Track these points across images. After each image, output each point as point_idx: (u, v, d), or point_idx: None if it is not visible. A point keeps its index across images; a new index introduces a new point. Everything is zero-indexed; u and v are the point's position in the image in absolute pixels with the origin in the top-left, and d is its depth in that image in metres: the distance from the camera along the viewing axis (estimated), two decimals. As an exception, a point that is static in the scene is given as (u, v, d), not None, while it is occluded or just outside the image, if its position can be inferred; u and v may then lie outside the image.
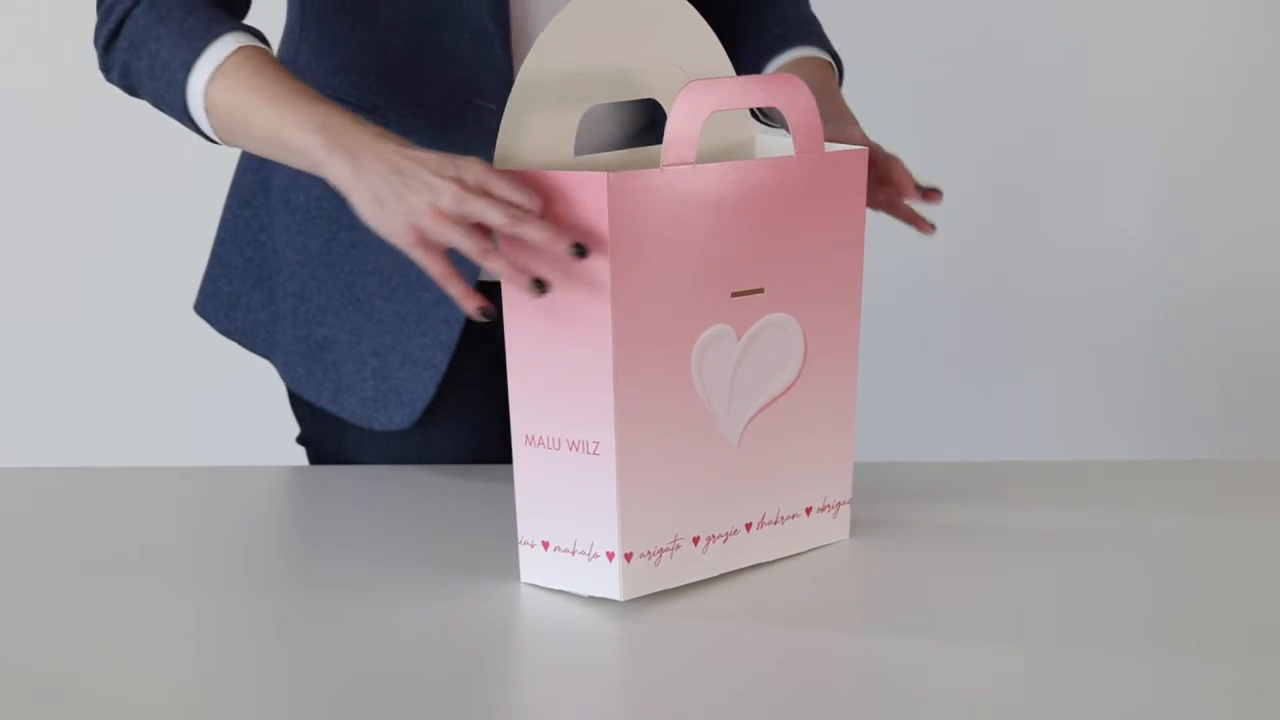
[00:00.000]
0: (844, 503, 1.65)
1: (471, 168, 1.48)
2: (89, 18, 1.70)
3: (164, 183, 3.02)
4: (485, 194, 1.47)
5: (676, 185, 1.50)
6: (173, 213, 2.97)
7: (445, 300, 1.77)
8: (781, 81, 1.56)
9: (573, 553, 1.51)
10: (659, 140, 1.68)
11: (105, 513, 1.75)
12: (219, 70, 1.60)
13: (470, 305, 1.49)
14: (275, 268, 1.87)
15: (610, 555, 1.49)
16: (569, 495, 1.51)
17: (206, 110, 1.62)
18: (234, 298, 1.91)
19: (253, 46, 1.62)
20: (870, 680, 1.41)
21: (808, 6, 1.90)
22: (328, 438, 1.89)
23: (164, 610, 1.52)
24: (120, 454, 2.94)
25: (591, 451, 1.49)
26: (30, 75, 3.06)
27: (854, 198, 1.61)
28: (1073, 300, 3.12)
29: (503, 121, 1.54)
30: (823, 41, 1.85)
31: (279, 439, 2.14)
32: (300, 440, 1.95)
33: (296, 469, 1.86)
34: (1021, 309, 3.12)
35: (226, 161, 1.93)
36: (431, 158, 1.50)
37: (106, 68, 1.69)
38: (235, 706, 1.37)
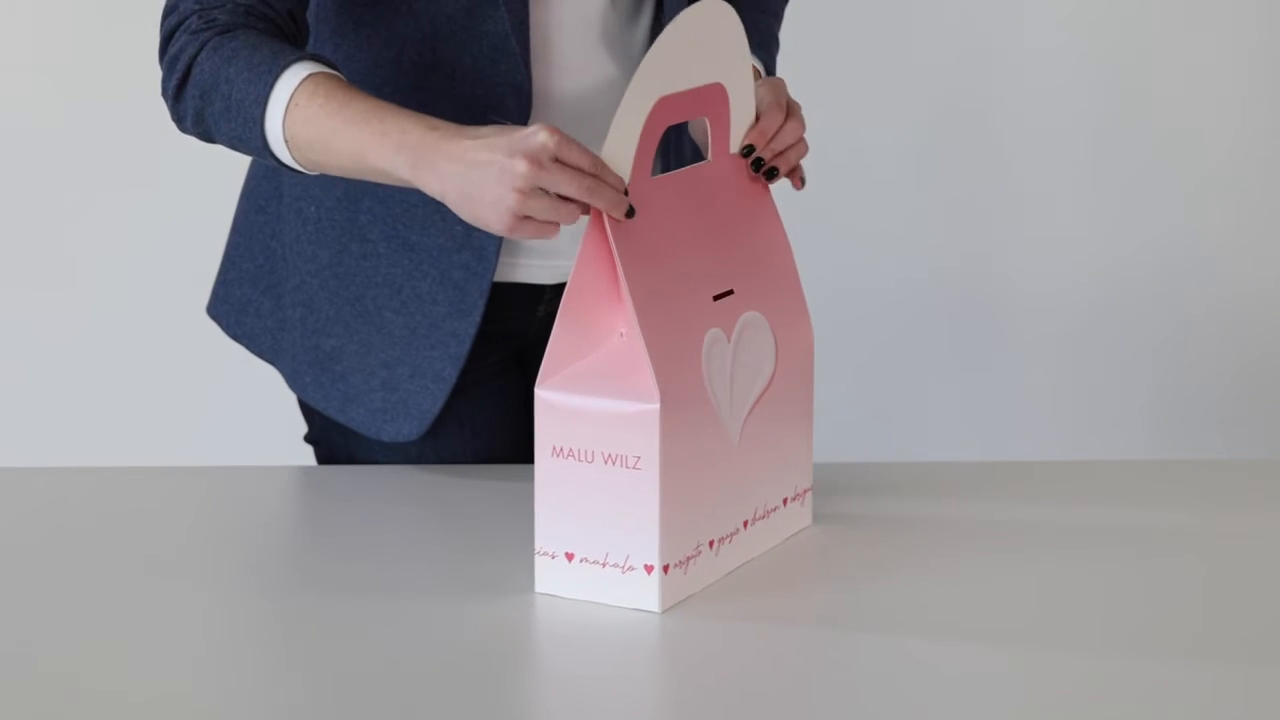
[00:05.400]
0: (808, 489, 1.69)
1: (535, 140, 1.50)
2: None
3: (179, 182, 2.94)
4: (557, 163, 1.50)
5: (646, 196, 1.53)
6: (190, 212, 2.88)
7: (455, 314, 1.77)
8: (705, 92, 1.58)
9: (604, 565, 1.51)
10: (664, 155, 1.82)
11: (112, 513, 1.73)
12: (292, 102, 1.59)
13: (619, 212, 1.50)
14: (284, 276, 1.84)
15: (649, 568, 1.50)
16: (601, 508, 1.51)
17: (287, 142, 1.61)
18: (244, 303, 1.89)
19: (321, 73, 1.61)
20: (870, 680, 1.43)
21: (772, 20, 1.92)
22: (336, 437, 1.87)
23: (171, 611, 1.51)
24: (129, 453, 2.89)
25: (632, 466, 1.49)
26: (43, 76, 2.97)
27: (764, 191, 1.67)
28: (1075, 299, 3.13)
29: (611, 133, 1.52)
30: (766, 52, 1.88)
31: (288, 438, 2.12)
32: (308, 439, 1.93)
33: (306, 469, 1.85)
34: (1025, 308, 3.13)
35: (241, 161, 1.87)
36: (500, 142, 1.51)
37: (179, 117, 1.67)
38: (243, 707, 1.36)
